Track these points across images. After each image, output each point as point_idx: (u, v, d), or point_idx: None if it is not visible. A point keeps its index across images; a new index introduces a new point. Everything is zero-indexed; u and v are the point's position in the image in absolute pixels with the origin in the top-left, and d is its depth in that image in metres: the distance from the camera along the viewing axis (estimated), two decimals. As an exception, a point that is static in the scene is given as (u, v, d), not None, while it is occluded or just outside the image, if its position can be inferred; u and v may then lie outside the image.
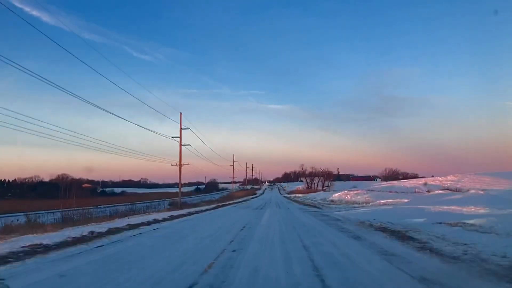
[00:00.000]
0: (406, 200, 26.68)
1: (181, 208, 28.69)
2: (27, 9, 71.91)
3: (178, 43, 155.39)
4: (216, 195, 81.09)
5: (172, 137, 32.89)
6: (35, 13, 73.05)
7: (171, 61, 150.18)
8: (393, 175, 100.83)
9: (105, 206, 43.62)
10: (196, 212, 24.20)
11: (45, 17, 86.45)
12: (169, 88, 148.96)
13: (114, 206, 42.19)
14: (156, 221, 16.47)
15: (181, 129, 33.30)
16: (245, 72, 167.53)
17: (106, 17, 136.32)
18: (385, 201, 29.44)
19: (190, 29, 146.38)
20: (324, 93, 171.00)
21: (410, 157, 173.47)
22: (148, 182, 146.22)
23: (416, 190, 33.94)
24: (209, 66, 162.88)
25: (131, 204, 47.34)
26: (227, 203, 40.93)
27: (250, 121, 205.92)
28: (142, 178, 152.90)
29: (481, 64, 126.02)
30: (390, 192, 36.43)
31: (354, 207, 27.24)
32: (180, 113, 33.34)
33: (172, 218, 18.69)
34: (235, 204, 38.91)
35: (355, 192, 45.62)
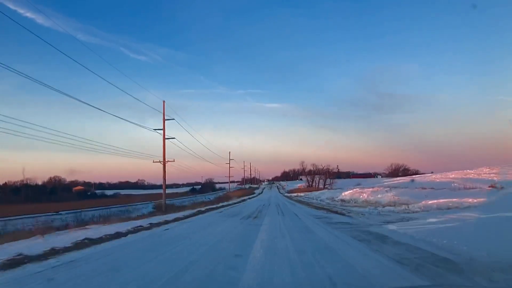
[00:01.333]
0: (475, 201, 16.58)
1: (165, 212, 22.95)
2: (21, 11, 64.07)
3: (175, 44, 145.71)
4: (211, 196, 71.83)
5: (155, 129, 27.07)
6: (29, 15, 64.79)
7: (168, 61, 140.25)
8: (397, 171, 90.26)
9: (74, 210, 35.00)
10: (152, 225, 14.05)
11: (39, 19, 77.98)
12: (166, 89, 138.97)
13: (85, 211, 34.06)
14: (30, 260, 6.52)
15: (164, 119, 26.95)
16: (242, 72, 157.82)
17: (102, 18, 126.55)
18: (433, 201, 19.29)
19: (187, 30, 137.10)
20: (321, 91, 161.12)
21: (408, 154, 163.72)
22: (146, 183, 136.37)
23: (465, 186, 23.80)
24: (206, 66, 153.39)
25: (105, 208, 38.26)
26: (216, 206, 30.76)
27: (248, 121, 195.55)
28: (139, 179, 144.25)
29: (480, 62, 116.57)
30: (424, 188, 26.59)
31: (399, 213, 17.07)
32: (163, 101, 27.29)
33: (83, 245, 8.76)
34: (225, 208, 28.64)
35: (371, 189, 35.39)
